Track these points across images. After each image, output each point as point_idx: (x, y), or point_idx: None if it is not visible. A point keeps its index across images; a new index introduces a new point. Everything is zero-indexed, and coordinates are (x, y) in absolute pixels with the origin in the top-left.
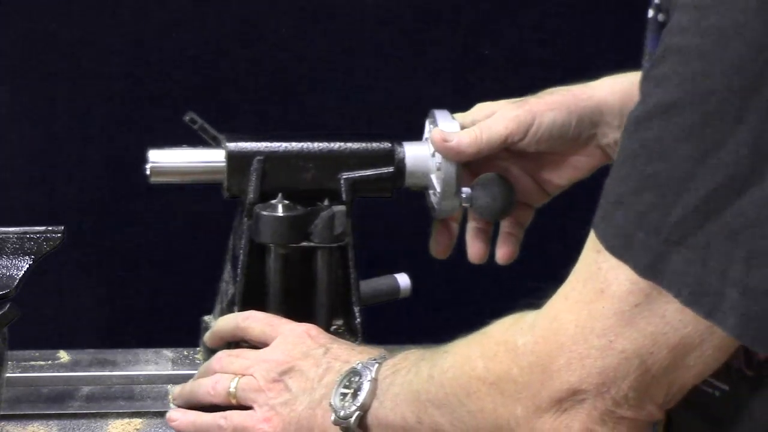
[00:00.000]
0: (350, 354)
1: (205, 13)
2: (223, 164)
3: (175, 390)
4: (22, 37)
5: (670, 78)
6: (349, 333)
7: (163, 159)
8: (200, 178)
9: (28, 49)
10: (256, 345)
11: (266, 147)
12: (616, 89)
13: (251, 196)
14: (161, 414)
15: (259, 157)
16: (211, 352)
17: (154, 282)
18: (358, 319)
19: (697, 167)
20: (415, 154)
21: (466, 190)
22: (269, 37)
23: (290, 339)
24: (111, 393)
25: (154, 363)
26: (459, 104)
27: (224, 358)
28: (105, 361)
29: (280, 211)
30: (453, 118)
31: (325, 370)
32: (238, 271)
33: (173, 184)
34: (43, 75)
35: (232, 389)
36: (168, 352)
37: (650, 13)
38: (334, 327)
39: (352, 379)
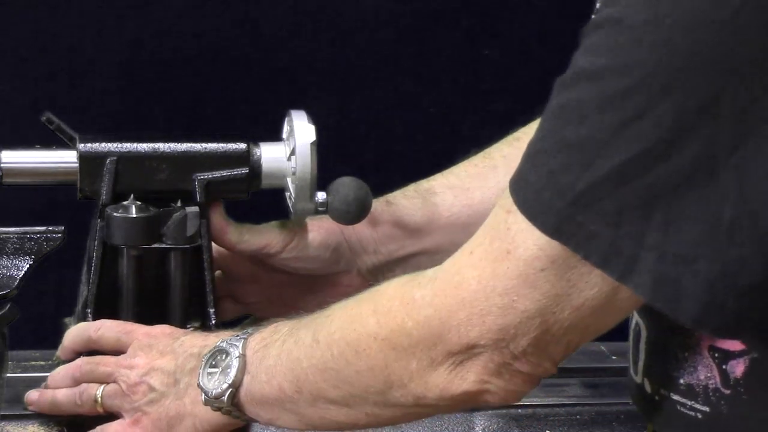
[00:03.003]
0: (207, 339)
1: (206, 13)
2: (76, 165)
3: (30, 396)
4: (22, 37)
5: (600, 46)
6: None
7: (15, 159)
8: (53, 179)
9: (28, 49)
10: (111, 354)
11: (119, 147)
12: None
13: (103, 197)
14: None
15: (111, 158)
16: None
17: None
18: (214, 321)
19: (614, 135)
20: (272, 155)
21: (321, 194)
22: (269, 37)
23: (145, 342)
24: None
25: None
26: (459, 104)
27: (84, 366)
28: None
29: (131, 213)
30: (309, 121)
31: (185, 359)
32: (92, 273)
33: (27, 185)
34: (43, 75)
35: (97, 398)
36: None
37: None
38: (191, 329)
39: (219, 357)
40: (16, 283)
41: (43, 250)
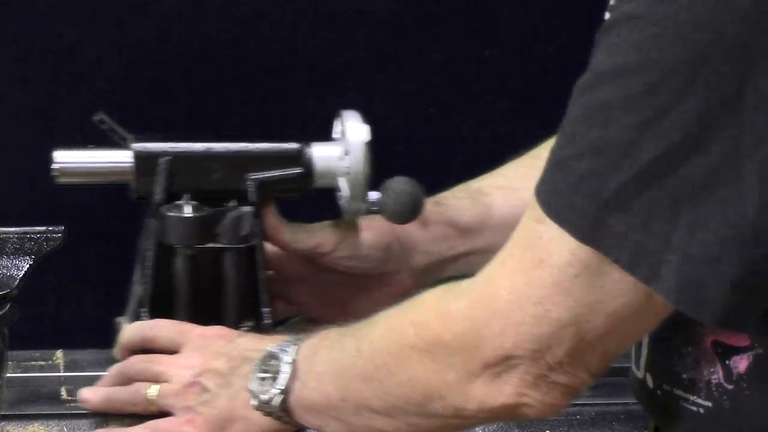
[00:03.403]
0: (261, 342)
1: (206, 13)
2: (131, 165)
3: (83, 394)
4: (22, 37)
5: (619, 45)
6: (258, 334)
7: (69, 160)
8: (107, 179)
9: (28, 49)
10: (165, 353)
11: (173, 147)
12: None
13: (158, 197)
14: (161, 414)
15: (165, 158)
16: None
17: None
18: (268, 321)
19: (640, 135)
20: (324, 155)
21: (374, 194)
22: (269, 37)
23: (200, 342)
24: None
25: None
26: (459, 104)
27: (138, 363)
28: (104, 361)
29: (186, 212)
30: (362, 121)
31: (239, 362)
32: (146, 272)
33: (80, 185)
34: (43, 75)
35: (151, 397)
36: None
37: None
38: (244, 328)
39: (270, 363)
40: (16, 283)
41: (43, 250)
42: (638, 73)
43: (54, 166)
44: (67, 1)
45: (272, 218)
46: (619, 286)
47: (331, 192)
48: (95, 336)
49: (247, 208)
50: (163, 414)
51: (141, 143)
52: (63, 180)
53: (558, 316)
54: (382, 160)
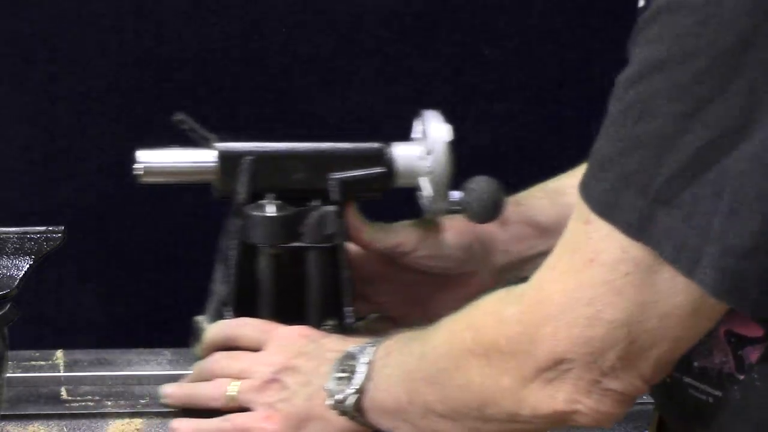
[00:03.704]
0: (343, 344)
1: (206, 13)
2: (214, 164)
3: (166, 389)
4: (22, 37)
5: (662, 36)
6: (341, 333)
7: (152, 159)
8: (190, 178)
9: (28, 49)
10: (249, 351)
11: (256, 147)
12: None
13: (241, 196)
14: (161, 414)
15: (249, 157)
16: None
17: (153, 282)
18: (350, 319)
19: (687, 125)
20: (405, 154)
21: (456, 193)
22: (269, 37)
23: (283, 341)
24: (111, 393)
25: (153, 363)
26: (459, 104)
27: (221, 360)
28: (104, 361)
29: (270, 212)
30: (444, 121)
31: (320, 362)
32: (230, 271)
33: (163, 184)
34: (43, 75)
35: (232, 393)
36: (167, 352)
37: (641, 2)
38: (326, 327)
39: (348, 363)
40: (16, 283)
41: (43, 250)
42: (683, 62)
43: (137, 165)
44: (67, 1)
45: (354, 217)
46: (670, 285)
47: (407, 192)
48: (95, 336)
49: (330, 208)
50: (243, 410)
51: (224, 143)
52: (146, 179)
53: (610, 317)
54: None
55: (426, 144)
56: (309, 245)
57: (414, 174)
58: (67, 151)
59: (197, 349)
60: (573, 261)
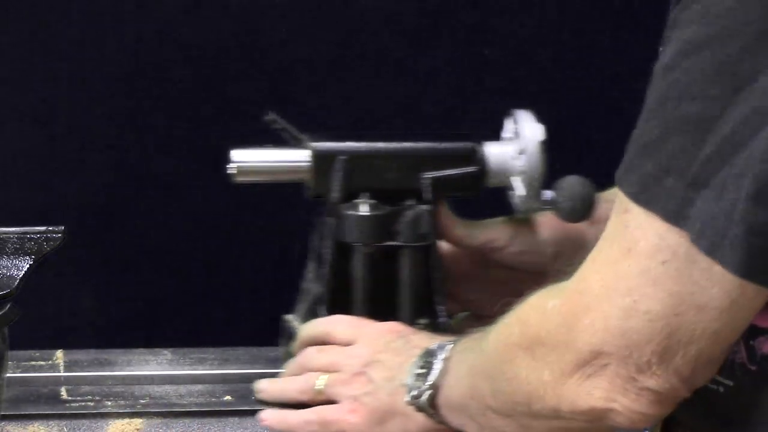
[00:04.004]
0: (430, 340)
1: (206, 13)
2: (308, 164)
3: (260, 385)
4: (22, 37)
5: (701, 17)
6: (433, 332)
7: (247, 159)
8: (284, 177)
9: (28, 49)
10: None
11: (350, 147)
12: None
13: (335, 195)
14: (161, 414)
15: (343, 157)
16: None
17: (153, 282)
18: (443, 318)
19: (727, 105)
20: (497, 153)
21: (548, 192)
22: (269, 37)
23: (373, 336)
24: (111, 393)
25: (153, 363)
26: (459, 104)
27: (312, 353)
28: (104, 361)
29: (365, 211)
30: (537, 120)
31: (406, 357)
32: (324, 270)
33: (257, 183)
34: (43, 75)
35: (319, 386)
36: (167, 352)
37: None
38: (419, 326)
39: (427, 359)
40: (16, 283)
41: (43, 250)
42: (724, 40)
43: (231, 164)
44: (67, 1)
45: (446, 215)
46: (707, 276)
47: (494, 192)
48: (95, 336)
49: (424, 207)
50: (331, 403)
51: (318, 142)
52: (240, 179)
53: (646, 308)
54: None
55: (518, 143)
56: (403, 244)
57: (506, 173)
58: (67, 151)
59: (289, 346)
60: (611, 251)
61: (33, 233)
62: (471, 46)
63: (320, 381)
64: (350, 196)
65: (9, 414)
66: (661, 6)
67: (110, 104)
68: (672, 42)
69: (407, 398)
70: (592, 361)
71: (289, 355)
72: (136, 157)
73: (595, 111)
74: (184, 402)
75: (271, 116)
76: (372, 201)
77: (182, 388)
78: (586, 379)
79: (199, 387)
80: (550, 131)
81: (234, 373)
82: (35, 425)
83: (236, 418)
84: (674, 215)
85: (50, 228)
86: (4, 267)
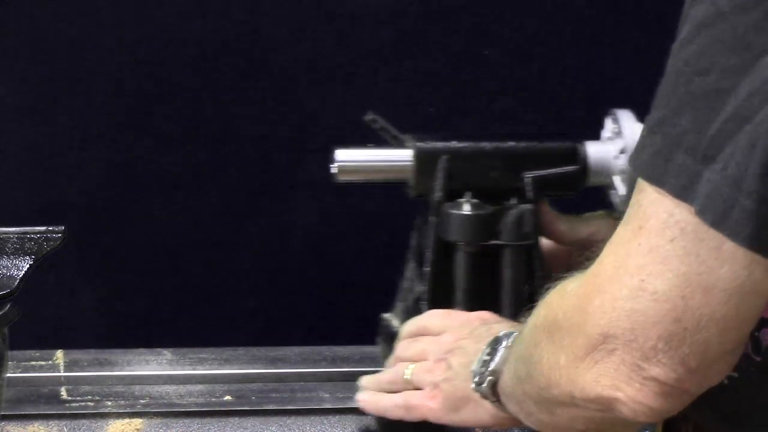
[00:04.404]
0: (510, 328)
1: (205, 13)
2: (411, 163)
3: (363, 379)
4: (22, 37)
5: None
6: None
7: (350, 158)
8: (386, 176)
9: (28, 49)
10: None
11: (453, 146)
12: None
13: (438, 194)
14: (161, 414)
15: (445, 156)
16: (389, 348)
17: (154, 282)
18: None
19: (740, 78)
20: (599, 153)
21: None
22: (269, 37)
23: (461, 324)
24: (111, 393)
25: (153, 363)
26: (459, 104)
27: (405, 345)
28: (105, 361)
29: (468, 210)
30: (637, 120)
31: (484, 345)
32: (426, 269)
33: (359, 182)
34: (43, 75)
35: (407, 376)
36: (167, 352)
37: None
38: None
39: (494, 346)
40: (16, 283)
41: (43, 250)
42: (739, 13)
43: (335, 164)
44: (67, 1)
45: (547, 212)
46: (717, 254)
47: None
48: (95, 336)
49: (527, 206)
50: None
51: (421, 142)
52: (342, 178)
53: (653, 288)
54: None
55: (620, 142)
56: (506, 243)
57: (607, 172)
58: (67, 151)
59: (387, 344)
60: (625, 231)
61: (33, 233)
62: (471, 46)
63: (408, 370)
64: (452, 195)
65: (9, 414)
66: (662, 6)
67: (110, 104)
68: (688, 19)
69: (472, 385)
70: (600, 346)
71: (389, 352)
72: (136, 157)
73: (595, 111)
74: (184, 402)
75: (371, 116)
76: (475, 200)
77: (182, 388)
78: (595, 365)
79: (199, 387)
80: (550, 131)
81: (234, 373)
82: (35, 425)
83: (236, 418)
84: (683, 190)
85: (50, 228)
86: (4, 267)
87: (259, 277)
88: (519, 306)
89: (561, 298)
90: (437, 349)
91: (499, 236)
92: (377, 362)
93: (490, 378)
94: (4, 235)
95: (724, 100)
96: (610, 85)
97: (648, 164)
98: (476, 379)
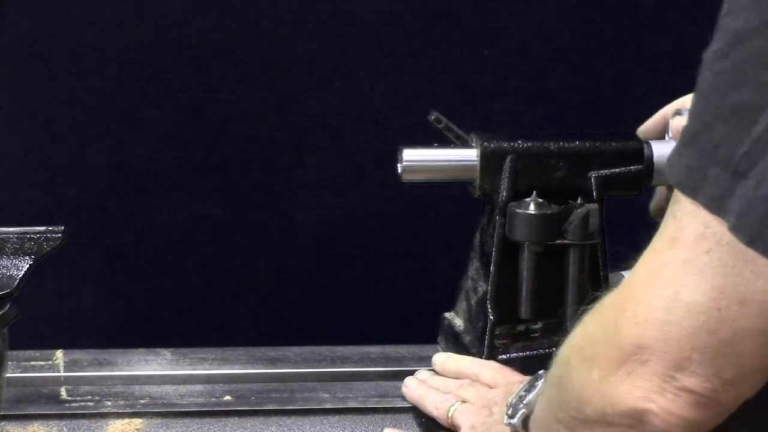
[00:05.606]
0: None
1: (206, 13)
2: (476, 163)
3: (408, 380)
4: (22, 37)
5: (753, 4)
6: None
7: (417, 157)
8: (452, 176)
9: (28, 49)
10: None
11: (518, 146)
12: None
13: (504, 194)
14: (161, 414)
15: (511, 156)
16: (451, 347)
17: (154, 282)
18: None
19: None
20: (664, 152)
21: None
22: (269, 37)
23: (509, 384)
24: (111, 393)
25: (153, 363)
26: (459, 104)
27: (465, 385)
28: (105, 361)
29: (534, 209)
30: None
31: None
32: (491, 268)
33: (424, 182)
34: (43, 75)
35: (450, 413)
36: (167, 352)
37: None
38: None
39: (533, 383)
40: (16, 283)
41: (43, 250)
42: None
43: (401, 163)
44: (67, 1)
45: (661, 198)
46: (752, 268)
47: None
48: (95, 336)
49: (593, 205)
50: (454, 428)
51: (486, 141)
52: (408, 177)
53: (688, 299)
54: (383, 160)
55: None
56: (572, 242)
57: None
58: (67, 151)
59: (447, 343)
60: (659, 242)
61: (33, 233)
62: (471, 46)
63: (454, 407)
64: (517, 194)
65: (9, 414)
66: (662, 6)
67: (110, 104)
68: (722, 30)
69: (506, 420)
70: (633, 356)
71: (451, 350)
72: (136, 156)
73: (595, 111)
74: (184, 402)
75: (434, 115)
76: (540, 200)
77: (182, 388)
78: (627, 377)
79: (199, 387)
80: (549, 131)
81: (234, 373)
82: (35, 425)
83: (236, 418)
84: (716, 205)
85: (50, 228)
86: (4, 267)
87: (259, 277)
88: (582, 305)
89: (595, 313)
90: (485, 399)
91: (564, 236)
92: (377, 362)
93: (523, 410)
94: (4, 235)
95: (757, 115)
96: (611, 85)
97: (683, 175)
98: (509, 412)
